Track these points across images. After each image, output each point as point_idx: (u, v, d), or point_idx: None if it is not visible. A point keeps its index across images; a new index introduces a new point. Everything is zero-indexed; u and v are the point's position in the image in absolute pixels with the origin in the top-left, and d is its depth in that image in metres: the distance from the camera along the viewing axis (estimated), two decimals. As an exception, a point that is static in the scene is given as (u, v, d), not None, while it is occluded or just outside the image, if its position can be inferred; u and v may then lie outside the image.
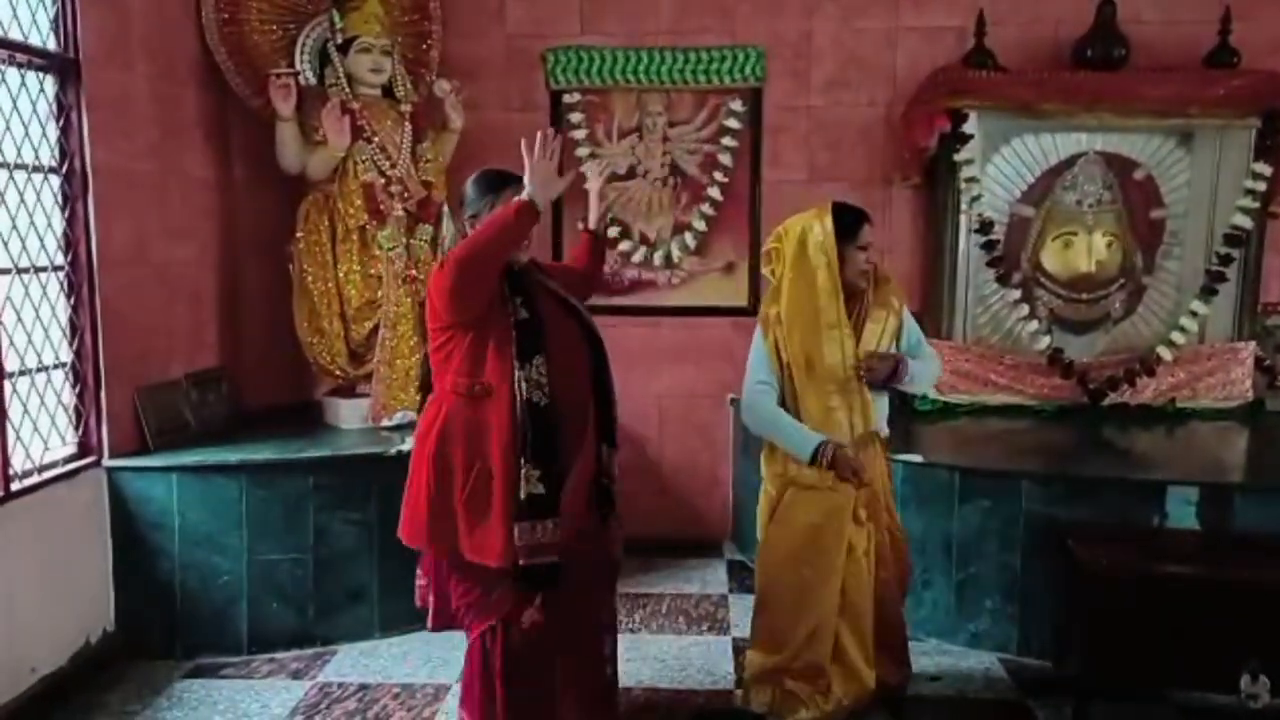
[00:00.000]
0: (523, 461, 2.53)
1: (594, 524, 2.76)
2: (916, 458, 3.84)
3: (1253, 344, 4.59)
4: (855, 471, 3.00)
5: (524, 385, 2.54)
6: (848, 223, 3.05)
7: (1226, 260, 4.50)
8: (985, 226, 4.55)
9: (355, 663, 3.65)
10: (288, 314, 4.22)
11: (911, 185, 4.72)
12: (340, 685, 3.49)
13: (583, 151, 4.85)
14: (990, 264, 4.57)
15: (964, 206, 4.56)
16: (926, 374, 3.26)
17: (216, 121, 4.36)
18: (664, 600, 4.24)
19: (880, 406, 3.18)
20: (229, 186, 4.47)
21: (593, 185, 3.19)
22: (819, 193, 4.56)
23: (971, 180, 4.52)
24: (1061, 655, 3.51)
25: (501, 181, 2.66)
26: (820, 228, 3.03)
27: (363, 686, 3.47)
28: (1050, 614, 3.58)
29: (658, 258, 4.90)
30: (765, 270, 3.24)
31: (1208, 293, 4.54)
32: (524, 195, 2.47)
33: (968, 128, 4.49)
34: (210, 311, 4.33)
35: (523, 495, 2.53)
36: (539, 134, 2.53)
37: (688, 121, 4.87)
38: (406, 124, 4.29)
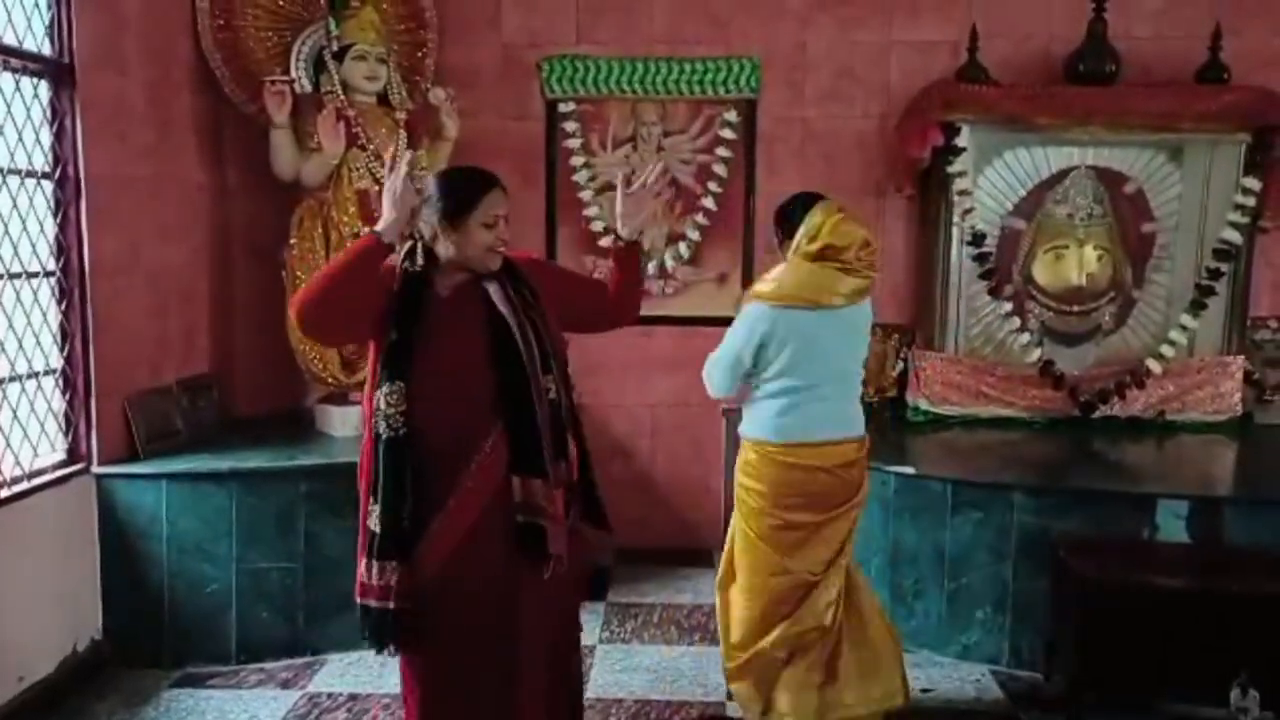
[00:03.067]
0: (372, 496, 2.34)
1: (508, 565, 2.39)
2: (909, 469, 3.84)
3: (1241, 358, 4.62)
4: None
5: (375, 413, 2.34)
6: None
7: (1216, 274, 4.53)
8: (977, 239, 4.57)
9: (345, 673, 3.64)
10: (280, 321, 4.21)
11: (905, 197, 4.74)
12: (330, 695, 3.47)
13: (577, 160, 4.86)
14: (982, 276, 4.59)
15: (956, 219, 4.58)
16: None
17: (211, 127, 4.35)
18: (655, 610, 4.24)
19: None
20: (223, 192, 4.46)
21: (620, 192, 2.77)
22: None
23: (964, 193, 4.54)
24: (1053, 667, 3.52)
25: (489, 182, 2.44)
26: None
27: (353, 697, 3.45)
28: (1041, 626, 3.59)
29: (651, 267, 4.90)
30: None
31: (1197, 306, 4.57)
32: (376, 227, 2.30)
33: (960, 140, 4.52)
34: (202, 318, 4.31)
35: (367, 530, 2.35)
36: (389, 152, 2.42)
37: (683, 131, 4.88)
38: (401, 131, 4.28)
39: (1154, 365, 4.58)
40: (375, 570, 2.33)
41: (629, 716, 3.34)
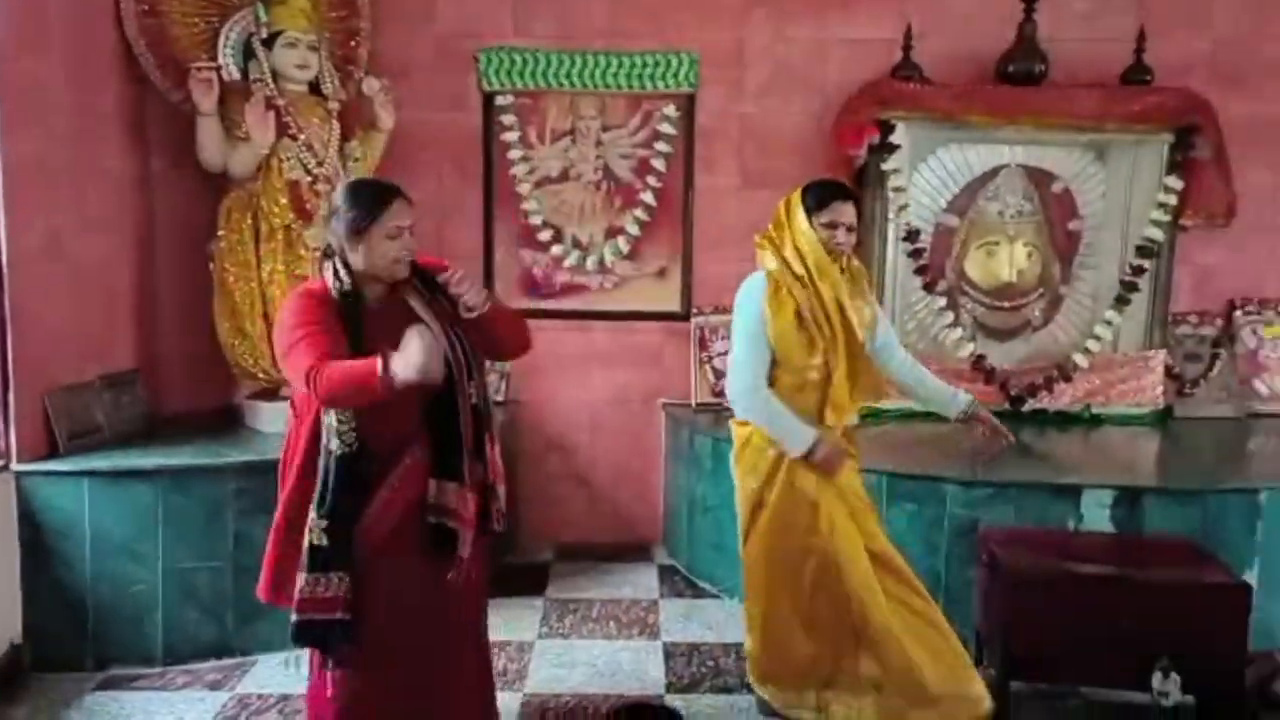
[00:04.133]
0: (313, 508, 2.38)
1: (427, 565, 2.51)
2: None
3: (1163, 352, 4.75)
4: (840, 457, 3.07)
5: (326, 431, 2.40)
6: (819, 195, 3.06)
7: (1139, 271, 4.65)
8: (912, 235, 4.63)
9: (276, 673, 3.56)
10: (207, 314, 4.12)
11: (840, 194, 4.78)
12: (260, 696, 3.40)
13: (515, 154, 4.82)
14: (917, 272, 4.65)
15: (892, 215, 4.64)
16: (937, 379, 3.42)
17: (135, 114, 4.23)
18: (594, 605, 4.22)
19: None
20: (147, 182, 4.34)
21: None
22: (752, 199, 4.64)
23: (899, 189, 4.60)
24: (982, 654, 3.58)
25: (389, 194, 2.48)
26: (795, 204, 3.09)
27: (284, 698, 3.38)
28: (972, 614, 3.65)
29: (590, 262, 4.88)
30: (767, 261, 3.15)
31: (1121, 302, 4.68)
32: (395, 371, 2.24)
33: (895, 138, 4.57)
34: (126, 311, 4.19)
35: (308, 543, 2.38)
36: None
37: (621, 125, 4.87)
38: (334, 122, 4.21)
39: (1080, 360, 4.69)
40: (319, 583, 2.38)
41: (567, 711, 3.33)
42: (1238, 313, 4.92)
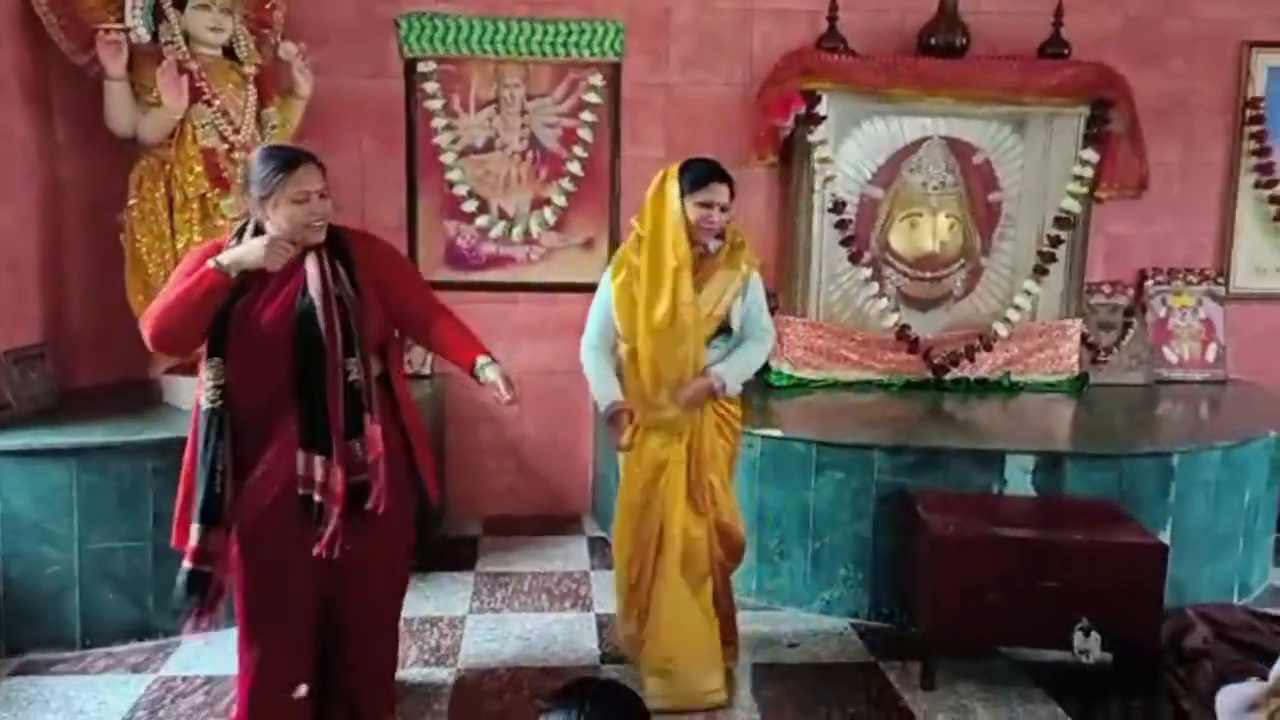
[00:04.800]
0: (199, 464, 2.54)
1: (301, 535, 2.59)
2: (775, 432, 3.92)
3: (1079, 321, 4.89)
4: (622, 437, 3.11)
5: (201, 389, 2.53)
6: (695, 176, 3.10)
7: (1056, 242, 4.77)
8: (838, 206, 4.67)
9: (200, 654, 3.48)
10: (119, 286, 3.96)
11: (767, 165, 4.80)
12: (185, 679, 3.32)
13: (439, 122, 4.73)
14: (843, 243, 4.70)
15: (818, 187, 4.67)
16: (745, 367, 3.26)
17: (38, 79, 4.03)
18: (525, 579, 4.20)
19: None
20: (52, 149, 4.14)
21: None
22: (677, 170, 4.61)
23: (825, 161, 4.63)
24: (909, 617, 3.66)
25: (294, 159, 2.56)
26: (671, 183, 3.10)
27: (209, 679, 3.30)
28: (898, 579, 3.73)
29: (516, 233, 4.82)
30: (634, 220, 3.22)
31: (1039, 273, 4.80)
32: (221, 260, 2.47)
33: (821, 109, 4.60)
34: (31, 283, 4.01)
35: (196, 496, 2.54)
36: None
37: (546, 94, 4.81)
38: (250, 87, 4.06)
39: (1000, 329, 4.80)
40: (197, 534, 2.54)
41: (502, 685, 3.31)
42: (1148, 283, 5.09)
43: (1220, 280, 5.11)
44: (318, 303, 2.54)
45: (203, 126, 3.89)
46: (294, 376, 2.55)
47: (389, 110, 4.74)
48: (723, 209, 3.10)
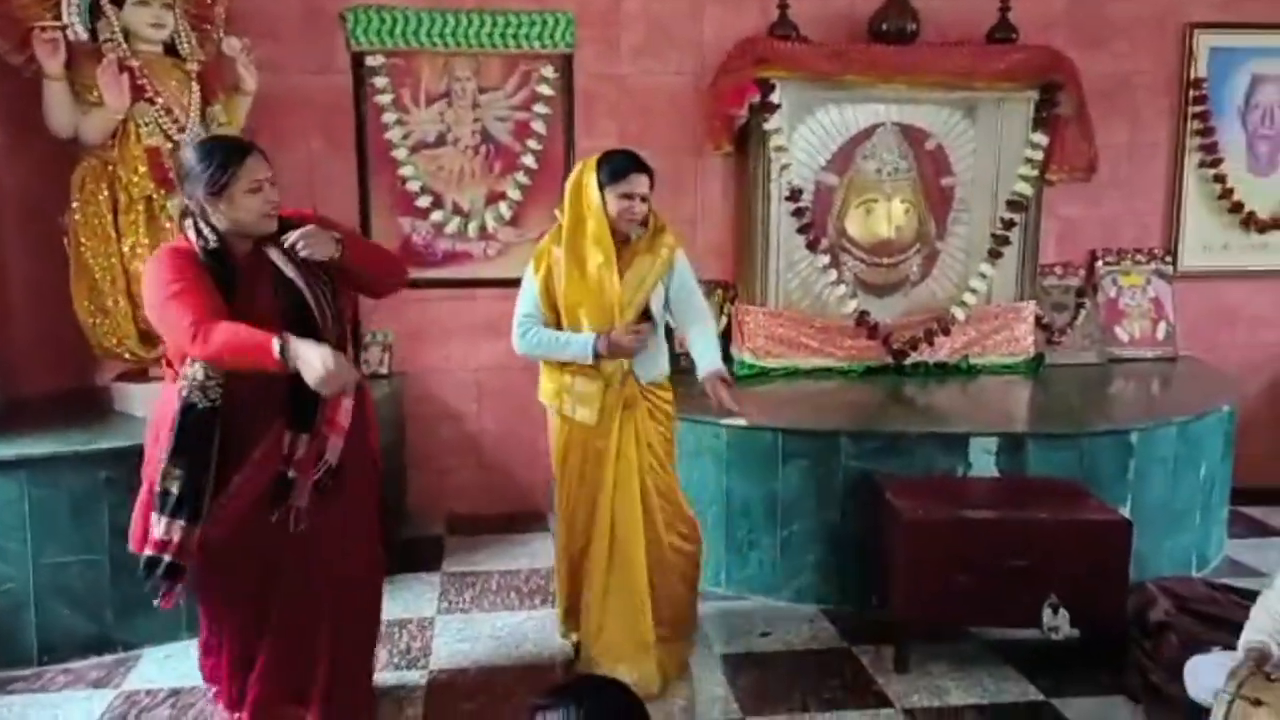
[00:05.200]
0: (168, 458, 2.48)
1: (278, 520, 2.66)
2: (740, 422, 3.91)
3: (1033, 303, 4.95)
4: (638, 339, 3.10)
5: (188, 385, 2.47)
6: (614, 168, 3.12)
7: (1010, 225, 4.81)
8: (795, 194, 4.67)
9: (163, 667, 3.39)
10: (64, 292, 3.83)
11: (723, 154, 4.79)
12: (149, 692, 3.23)
13: (389, 118, 4.65)
14: (800, 231, 4.71)
15: (774, 175, 4.66)
16: (717, 346, 3.31)
17: (-30, 79, 3.89)
18: (492, 578, 4.16)
19: (657, 350, 3.27)
20: (-12, 152, 4.01)
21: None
22: (633, 161, 4.58)
23: (780, 149, 4.63)
24: (880, 601, 3.68)
25: (243, 149, 2.55)
26: (589, 175, 3.12)
27: (174, 692, 3.22)
28: (867, 564, 3.74)
29: (472, 228, 4.76)
30: (556, 211, 3.26)
31: (994, 256, 4.84)
32: (286, 352, 2.39)
33: (774, 97, 4.59)
34: (-30, 291, 3.88)
35: (159, 487, 2.50)
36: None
37: (498, 87, 4.75)
38: (194, 84, 3.94)
39: (958, 313, 4.84)
40: (163, 526, 2.49)
41: (475, 686, 3.27)
42: (1099, 263, 5.17)
43: (1168, 260, 5.20)
44: (302, 286, 2.57)
45: (146, 125, 3.78)
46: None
47: (337, 106, 4.65)
48: (643, 199, 3.13)
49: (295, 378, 2.46)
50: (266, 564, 2.67)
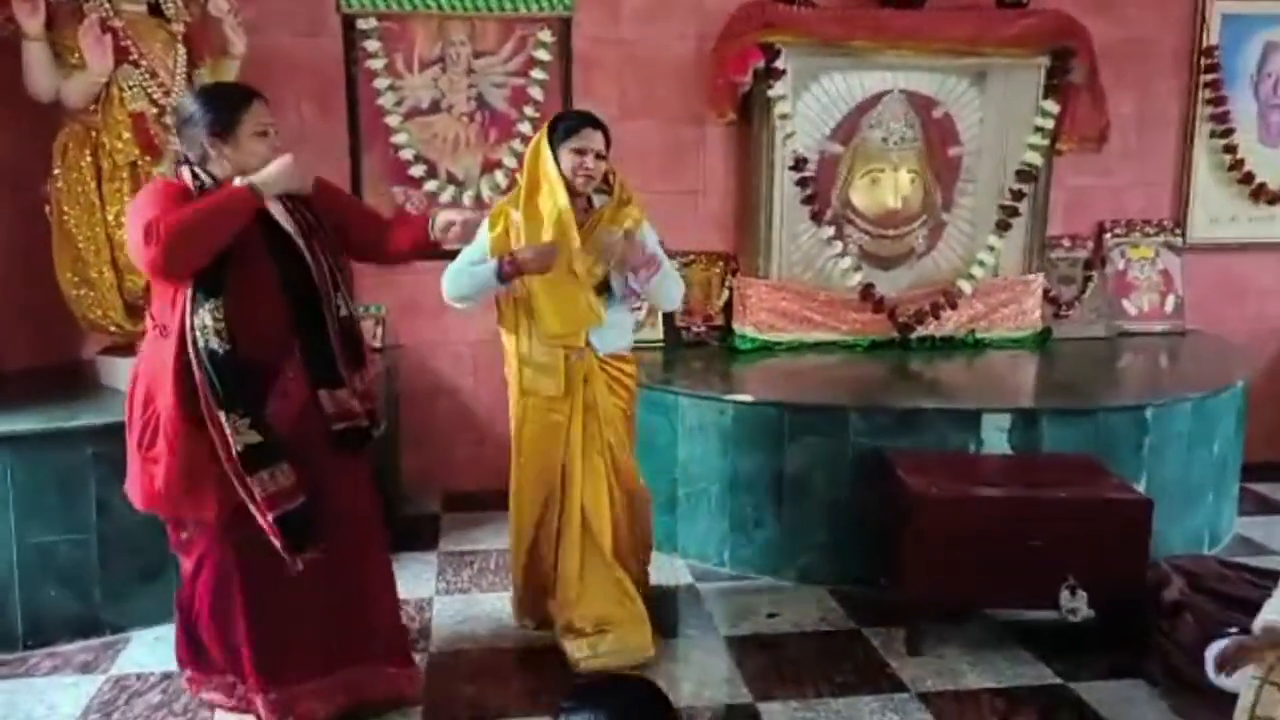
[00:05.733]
0: (227, 414, 2.40)
1: (323, 472, 2.60)
2: (746, 397, 3.82)
3: (1041, 276, 4.85)
4: (544, 256, 2.98)
5: (199, 332, 2.39)
6: (567, 125, 3.08)
7: (1019, 196, 4.71)
8: (799, 164, 4.55)
9: (154, 650, 3.27)
10: (47, 263, 3.70)
11: (726, 123, 4.66)
12: (139, 676, 3.13)
13: (381, 83, 4.50)
14: (805, 201, 4.59)
15: (778, 144, 4.54)
16: (672, 288, 3.31)
17: (-55, 40, 3.73)
18: (491, 556, 4.06)
19: (618, 321, 3.22)
20: (-35, 117, 3.85)
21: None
22: (632, 129, 4.43)
23: (785, 117, 4.50)
24: (891, 581, 3.60)
25: (249, 93, 2.52)
26: (545, 138, 3.08)
27: (166, 675, 3.10)
28: (876, 543, 3.65)
29: (467, 198, 4.63)
30: (517, 174, 3.24)
31: (1002, 227, 4.74)
32: (251, 180, 2.37)
33: (779, 63, 4.46)
34: (-52, 262, 3.74)
35: (239, 447, 2.41)
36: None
37: (494, 52, 4.60)
38: (179, 46, 3.79)
39: (965, 285, 4.74)
40: (269, 481, 2.44)
41: (476, 668, 3.18)
42: (1107, 235, 5.07)
43: (1177, 231, 5.11)
44: (298, 239, 2.52)
45: (130, 89, 3.63)
46: (290, 316, 2.52)
47: (328, 70, 4.50)
48: (598, 155, 3.07)
49: (300, 335, 2.51)
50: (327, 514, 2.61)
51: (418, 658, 3.21)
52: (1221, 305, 5.20)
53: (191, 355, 2.39)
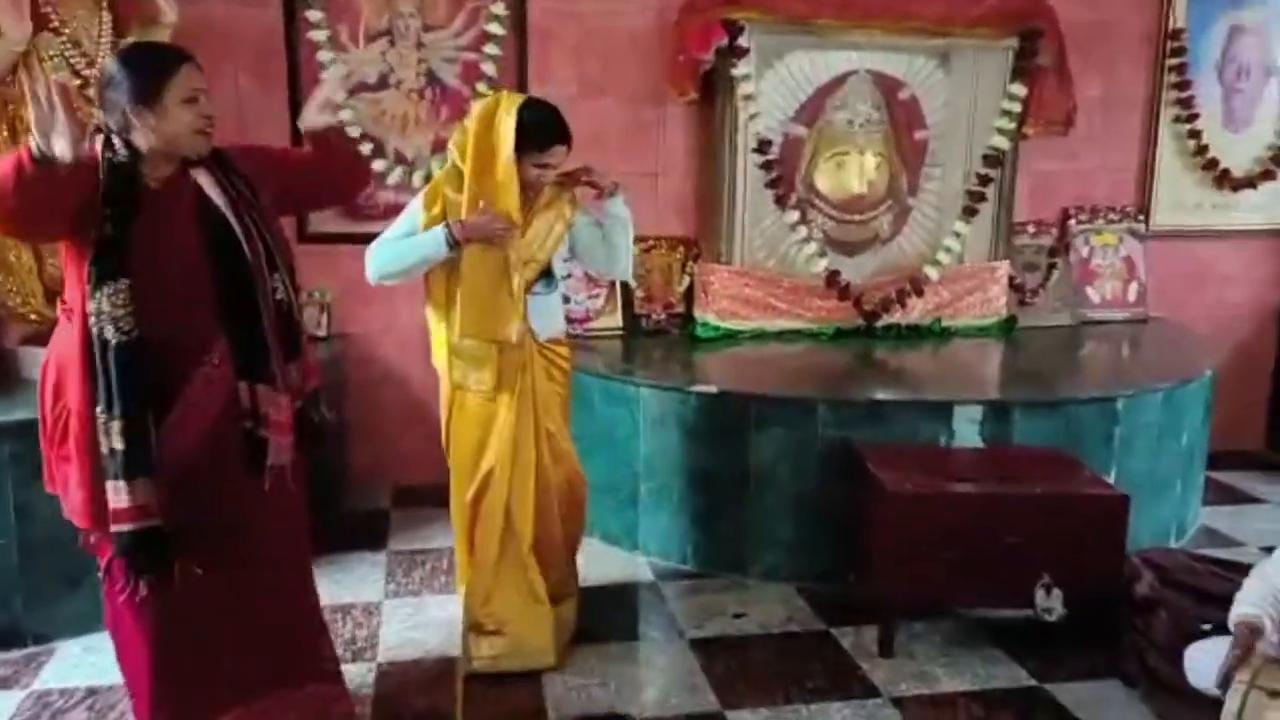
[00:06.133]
0: (100, 410, 2.14)
1: (235, 481, 2.31)
2: (711, 388, 3.67)
3: (1007, 263, 4.76)
4: (493, 222, 2.81)
5: (98, 320, 2.13)
6: (542, 137, 2.85)
7: (986, 181, 4.61)
8: (763, 146, 4.40)
9: (80, 662, 3.07)
10: (-40, 247, 3.45)
11: (687, 102, 4.49)
12: (63, 691, 2.91)
13: (325, 56, 4.27)
14: (769, 185, 4.44)
15: (741, 125, 4.38)
16: (623, 237, 3.10)
17: None
18: (442, 556, 3.87)
19: (546, 305, 3.06)
20: None
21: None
22: (591, 109, 4.28)
23: (749, 97, 4.34)
24: (861, 578, 3.48)
25: (178, 55, 2.26)
26: (507, 123, 2.82)
27: (92, 691, 2.91)
28: (844, 538, 3.53)
29: (417, 178, 4.41)
30: (452, 147, 2.98)
31: (969, 213, 4.64)
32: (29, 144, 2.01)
33: (743, 41, 4.30)
34: None
35: (105, 449, 2.15)
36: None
37: (444, 26, 4.38)
38: (105, 14, 3.57)
39: (931, 272, 4.63)
40: (126, 491, 2.15)
41: (430, 679, 3.01)
42: (1071, 221, 4.99)
43: (1141, 218, 5.05)
44: (228, 214, 2.25)
45: (51, 59, 3.41)
46: (218, 301, 2.25)
47: (267, 42, 4.25)
48: (556, 168, 2.95)
49: (228, 317, 2.26)
50: (229, 541, 2.33)
51: (366, 669, 3.04)
52: (1183, 292, 5.16)
53: (92, 343, 2.16)
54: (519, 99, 2.90)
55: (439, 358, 3.04)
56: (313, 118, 2.55)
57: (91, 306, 2.13)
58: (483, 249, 2.84)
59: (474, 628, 3.05)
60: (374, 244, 2.97)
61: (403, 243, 2.93)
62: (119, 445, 2.13)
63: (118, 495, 2.15)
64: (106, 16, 3.56)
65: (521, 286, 2.91)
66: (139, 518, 2.16)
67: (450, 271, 2.91)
